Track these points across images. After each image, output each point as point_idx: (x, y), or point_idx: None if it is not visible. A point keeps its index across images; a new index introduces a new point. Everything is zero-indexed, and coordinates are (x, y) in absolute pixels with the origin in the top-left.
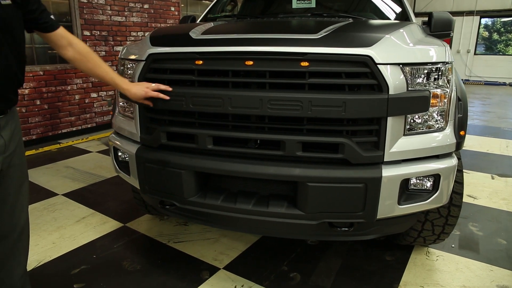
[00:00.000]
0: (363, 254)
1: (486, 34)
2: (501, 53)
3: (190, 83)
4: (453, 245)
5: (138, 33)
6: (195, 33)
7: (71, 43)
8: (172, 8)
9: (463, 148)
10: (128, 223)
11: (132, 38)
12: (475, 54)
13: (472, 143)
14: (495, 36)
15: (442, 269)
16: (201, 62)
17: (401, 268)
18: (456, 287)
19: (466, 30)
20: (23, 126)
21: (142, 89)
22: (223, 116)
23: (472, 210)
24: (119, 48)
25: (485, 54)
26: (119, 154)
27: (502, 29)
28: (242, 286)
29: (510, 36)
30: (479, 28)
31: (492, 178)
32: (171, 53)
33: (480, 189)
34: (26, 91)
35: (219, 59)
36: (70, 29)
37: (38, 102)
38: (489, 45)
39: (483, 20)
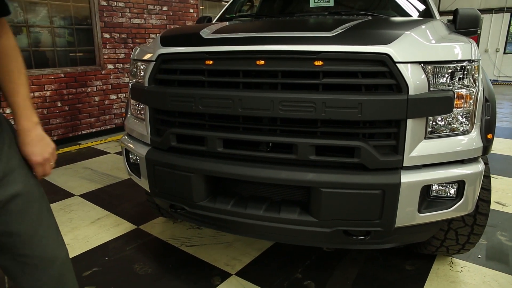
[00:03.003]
0: (382, 263)
1: None
2: None
3: (200, 84)
4: (479, 256)
5: (157, 35)
6: (205, 33)
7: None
8: (191, 10)
9: (492, 151)
10: (141, 226)
11: (151, 40)
12: (504, 53)
13: (501, 146)
14: None
15: (467, 281)
16: (211, 62)
17: (422, 279)
18: None
19: (495, 28)
20: (45, 128)
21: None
22: (234, 118)
23: (501, 218)
24: None
25: None
26: (131, 156)
27: None
28: None
29: None
30: (509, 25)
31: None
32: (180, 53)
33: (510, 196)
34: (48, 93)
35: (229, 59)
36: (90, 32)
37: (59, 104)
38: None
39: None
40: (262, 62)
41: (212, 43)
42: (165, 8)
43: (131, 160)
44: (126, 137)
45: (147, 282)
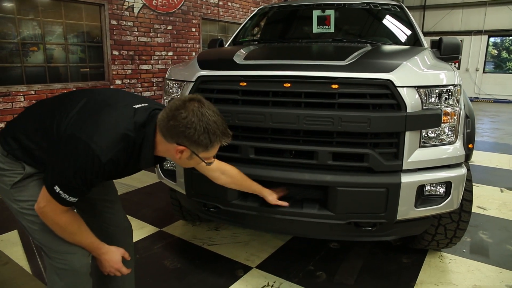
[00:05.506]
0: (382, 257)
1: (495, 52)
2: (510, 71)
3: (235, 102)
4: (464, 250)
5: (162, 52)
6: (238, 58)
7: (224, 172)
8: (193, 29)
9: (473, 163)
10: (163, 228)
11: (156, 57)
12: (483, 72)
13: (481, 158)
14: (504, 54)
15: (454, 270)
16: (245, 84)
17: (417, 269)
18: (468, 286)
19: (475, 49)
20: None
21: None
22: (263, 130)
23: (482, 220)
24: (145, 67)
25: (494, 72)
26: (165, 163)
27: (511, 47)
28: (274, 282)
29: None
30: (487, 47)
31: (501, 191)
32: (219, 75)
33: (490, 201)
34: None
35: (261, 81)
36: (100, 49)
37: None
38: (498, 63)
39: (492, 38)
40: (289, 84)
41: (246, 68)
42: (169, 27)
43: (164, 167)
44: None
45: (178, 274)
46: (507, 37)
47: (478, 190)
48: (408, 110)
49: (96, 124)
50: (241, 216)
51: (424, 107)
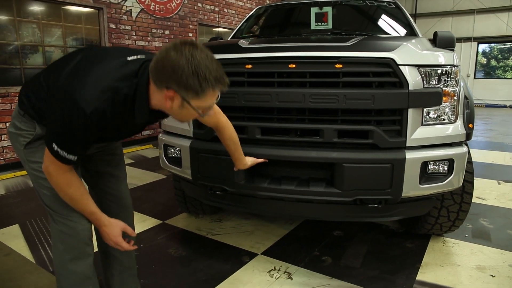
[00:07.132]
0: (386, 242)
1: (484, 60)
2: (501, 77)
3: (240, 84)
4: (466, 235)
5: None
6: (243, 44)
7: (218, 130)
8: (190, 34)
9: None
10: (166, 220)
11: None
12: (475, 78)
13: (477, 155)
14: (493, 62)
15: (458, 253)
16: (250, 66)
17: (421, 253)
18: (472, 267)
19: (465, 55)
20: None
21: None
22: (269, 110)
23: (482, 209)
24: None
25: (484, 78)
26: (169, 151)
27: (499, 55)
28: (281, 266)
29: (507, 62)
30: (477, 53)
31: (499, 183)
32: (225, 59)
33: (488, 192)
34: None
35: (266, 63)
36: None
37: None
38: (487, 71)
39: (481, 47)
40: (294, 65)
41: (251, 51)
42: (167, 32)
43: (169, 155)
44: (163, 134)
45: (184, 261)
46: (494, 44)
47: (477, 183)
48: (410, 87)
49: (84, 78)
50: (247, 200)
51: (425, 86)
